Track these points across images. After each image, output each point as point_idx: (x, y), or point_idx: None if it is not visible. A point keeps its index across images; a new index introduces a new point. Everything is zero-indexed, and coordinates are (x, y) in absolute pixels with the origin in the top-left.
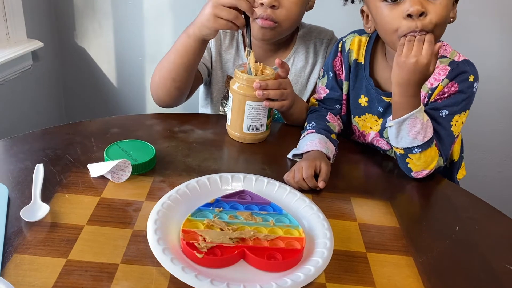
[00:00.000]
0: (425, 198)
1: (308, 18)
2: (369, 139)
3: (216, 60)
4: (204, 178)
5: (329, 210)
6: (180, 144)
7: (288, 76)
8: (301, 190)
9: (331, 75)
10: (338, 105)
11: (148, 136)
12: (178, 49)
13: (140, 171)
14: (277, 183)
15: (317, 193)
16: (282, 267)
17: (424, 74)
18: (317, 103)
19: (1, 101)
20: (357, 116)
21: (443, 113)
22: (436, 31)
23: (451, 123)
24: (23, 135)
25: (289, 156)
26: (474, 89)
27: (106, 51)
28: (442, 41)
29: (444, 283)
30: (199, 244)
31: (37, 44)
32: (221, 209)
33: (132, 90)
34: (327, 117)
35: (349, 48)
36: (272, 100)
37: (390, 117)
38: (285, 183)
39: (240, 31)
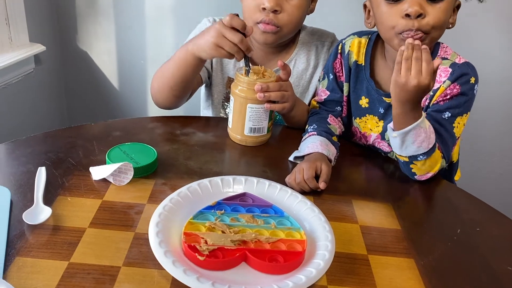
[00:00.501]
0: (426, 200)
1: (310, 21)
2: (371, 140)
3: (217, 62)
4: (205, 181)
5: (330, 212)
6: (182, 147)
7: (290, 78)
8: (303, 192)
9: (331, 77)
10: (339, 107)
11: (149, 139)
12: (176, 62)
13: (141, 174)
14: (278, 186)
15: (318, 196)
16: (283, 270)
17: (426, 92)
18: (318, 105)
19: (4, 105)
20: (358, 118)
21: (446, 115)
22: (433, 33)
23: (454, 125)
24: (25, 138)
25: (291, 158)
26: (475, 91)
27: (108, 54)
28: (442, 43)
29: (446, 285)
30: (200, 246)
31: (39, 48)
32: (223, 211)
33: (134, 93)
34: (328, 120)
35: (349, 50)
36: (273, 102)
37: (390, 125)
38: (287, 185)
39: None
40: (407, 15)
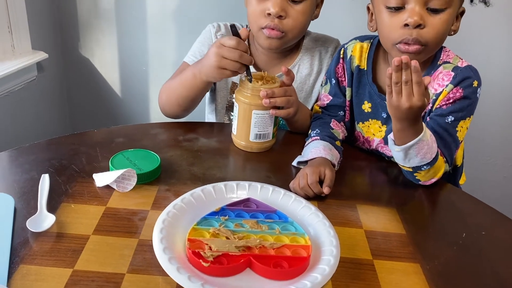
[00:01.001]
0: (431, 204)
1: (313, 25)
2: (374, 145)
3: None
4: (209, 187)
5: (335, 217)
6: (185, 153)
7: (293, 83)
8: (307, 197)
9: (333, 81)
10: (341, 112)
11: (153, 145)
12: (185, 85)
13: (145, 180)
14: (282, 191)
15: (322, 200)
16: (288, 275)
17: (421, 111)
18: (320, 110)
19: (7, 112)
20: (361, 122)
21: (449, 119)
22: (430, 45)
23: (457, 128)
24: (28, 146)
25: (294, 163)
26: (478, 95)
27: (110, 61)
28: (445, 47)
29: None
30: (205, 253)
31: (42, 55)
32: (227, 217)
33: (136, 99)
34: (331, 124)
35: (351, 55)
36: (278, 108)
37: (391, 136)
38: (291, 190)
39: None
40: (406, 25)
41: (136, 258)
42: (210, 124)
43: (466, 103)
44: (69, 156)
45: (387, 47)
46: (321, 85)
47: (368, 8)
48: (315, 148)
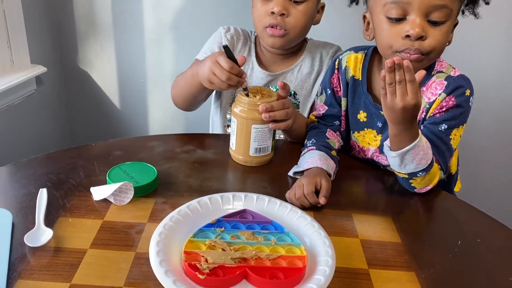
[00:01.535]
0: (426, 212)
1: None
2: (369, 154)
3: None
4: (205, 198)
5: (330, 227)
6: (182, 165)
7: (295, 81)
8: (303, 207)
9: (329, 92)
10: (337, 121)
11: (150, 157)
12: (186, 82)
13: (142, 193)
14: (278, 201)
15: (318, 210)
16: (284, 286)
17: (416, 111)
18: (316, 120)
19: (6, 126)
20: (356, 132)
21: (442, 127)
22: (432, 54)
23: (450, 136)
24: (26, 161)
25: (290, 173)
26: (470, 103)
27: (109, 73)
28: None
29: None
30: (201, 265)
31: (40, 69)
32: (223, 229)
33: (135, 111)
34: (326, 134)
35: (346, 66)
36: (277, 121)
37: (387, 142)
38: (287, 201)
39: (253, 38)
40: (408, 36)
41: (133, 271)
42: (207, 135)
43: (458, 111)
44: (67, 170)
45: (386, 55)
46: (317, 95)
47: (364, 17)
48: (311, 158)
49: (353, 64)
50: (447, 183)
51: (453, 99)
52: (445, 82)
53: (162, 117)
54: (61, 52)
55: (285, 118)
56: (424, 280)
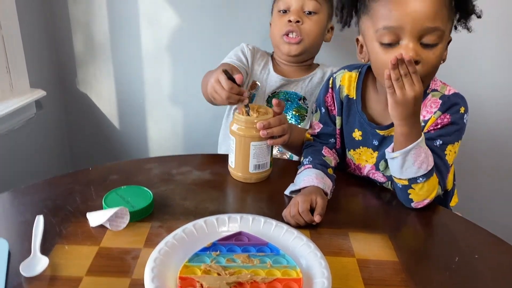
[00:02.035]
0: (423, 228)
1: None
2: (365, 172)
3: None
4: (201, 221)
5: (327, 247)
6: (178, 187)
7: (305, 87)
8: (298, 225)
9: (323, 110)
10: (332, 139)
11: (146, 180)
12: (205, 82)
13: (138, 217)
14: (274, 222)
15: (315, 229)
16: None
17: (421, 98)
18: (312, 138)
19: (6, 151)
20: (352, 150)
21: (437, 143)
22: (426, 78)
23: (445, 152)
24: (24, 188)
25: (286, 192)
26: (465, 120)
27: (108, 95)
28: None
29: None
30: None
31: (40, 93)
32: (218, 252)
33: (134, 132)
34: (322, 151)
35: (340, 85)
36: (274, 137)
37: (389, 149)
38: (283, 221)
39: (270, 53)
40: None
41: None
42: (204, 156)
43: (453, 128)
44: (64, 196)
45: (379, 76)
46: (312, 112)
47: (357, 40)
48: (308, 177)
49: (347, 83)
50: (443, 199)
51: (448, 117)
52: (440, 101)
53: (161, 137)
54: (60, 75)
55: (282, 134)
56: None
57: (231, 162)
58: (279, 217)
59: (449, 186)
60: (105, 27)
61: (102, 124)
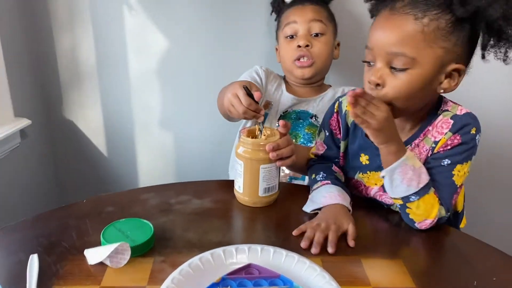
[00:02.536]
0: (436, 251)
1: None
2: (372, 193)
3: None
4: (207, 254)
5: (341, 276)
6: (178, 217)
7: (317, 106)
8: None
9: (327, 133)
10: (336, 159)
11: (144, 211)
12: (220, 97)
13: (139, 252)
14: (284, 252)
15: (326, 257)
16: None
17: (390, 117)
18: (316, 158)
19: None
20: (361, 173)
21: (445, 162)
22: (396, 103)
23: (453, 172)
24: (14, 224)
25: (307, 210)
26: (477, 141)
27: (95, 121)
28: (444, 97)
29: None
30: None
31: (24, 122)
32: None
33: (123, 159)
34: (333, 168)
35: (346, 110)
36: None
37: (383, 172)
38: (292, 249)
39: (282, 76)
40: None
41: None
42: (201, 183)
43: (463, 148)
44: (58, 232)
45: None
46: (317, 132)
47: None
48: (329, 193)
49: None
50: (453, 221)
51: (458, 137)
52: (451, 121)
53: (151, 163)
54: (45, 102)
55: (290, 155)
56: None
57: (239, 186)
58: (287, 245)
59: (459, 207)
60: (91, 52)
61: (89, 152)
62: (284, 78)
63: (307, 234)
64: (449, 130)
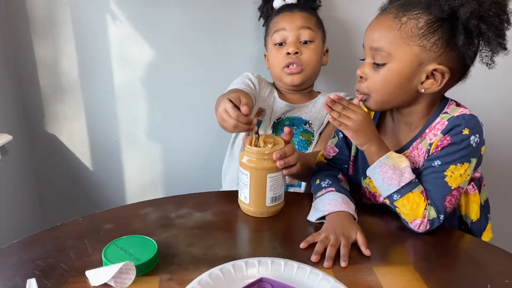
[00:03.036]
0: (446, 256)
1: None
2: (380, 199)
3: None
4: (216, 270)
5: (354, 286)
6: (181, 232)
7: (309, 113)
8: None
9: (341, 135)
10: (346, 165)
11: (144, 228)
12: (216, 107)
13: (144, 271)
14: (295, 264)
15: (338, 267)
16: None
17: (368, 117)
18: (326, 161)
19: None
20: (368, 178)
21: (436, 163)
22: (374, 95)
23: (445, 173)
24: (7, 247)
25: (312, 219)
26: (472, 142)
27: (79, 134)
28: (451, 99)
29: None
30: None
31: (5, 138)
32: None
33: (109, 172)
34: (338, 176)
35: None
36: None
37: None
38: (302, 260)
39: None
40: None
41: None
42: (200, 195)
43: (453, 148)
44: (55, 253)
45: None
46: (330, 137)
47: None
48: (333, 201)
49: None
50: (465, 230)
51: (448, 138)
52: (446, 123)
53: (140, 176)
54: (26, 117)
55: (296, 162)
56: None
57: (245, 197)
58: (296, 256)
59: (474, 217)
60: (73, 63)
61: (74, 167)
62: (273, 84)
63: (317, 249)
64: (441, 132)
